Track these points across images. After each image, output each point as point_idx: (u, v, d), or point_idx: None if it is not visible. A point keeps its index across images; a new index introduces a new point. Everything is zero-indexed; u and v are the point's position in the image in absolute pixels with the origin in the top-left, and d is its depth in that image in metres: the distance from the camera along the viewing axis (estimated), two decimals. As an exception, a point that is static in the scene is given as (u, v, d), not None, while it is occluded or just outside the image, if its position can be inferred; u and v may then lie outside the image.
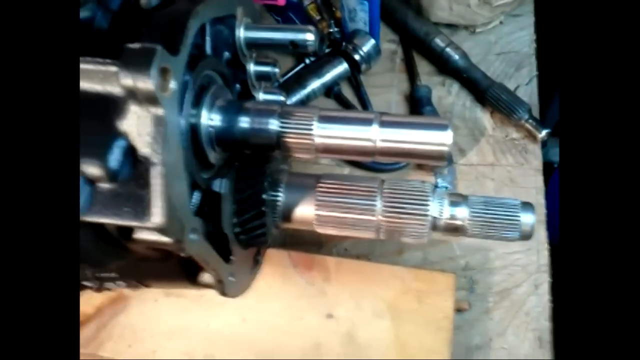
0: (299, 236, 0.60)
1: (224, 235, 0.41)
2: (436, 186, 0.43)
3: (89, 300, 0.58)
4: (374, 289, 0.55)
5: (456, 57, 0.66)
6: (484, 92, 0.64)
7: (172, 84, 0.30)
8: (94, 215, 0.31)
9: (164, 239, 0.33)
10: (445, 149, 0.34)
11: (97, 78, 0.32)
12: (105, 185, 0.32)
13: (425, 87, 0.66)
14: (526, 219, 0.39)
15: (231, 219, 0.42)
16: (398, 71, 0.71)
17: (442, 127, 0.34)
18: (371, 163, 0.63)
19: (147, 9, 0.38)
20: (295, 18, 0.76)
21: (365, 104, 0.67)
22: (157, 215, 0.30)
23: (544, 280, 0.55)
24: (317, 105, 0.67)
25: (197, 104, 0.35)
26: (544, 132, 0.61)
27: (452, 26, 0.71)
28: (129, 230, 0.33)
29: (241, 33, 0.40)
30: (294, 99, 0.67)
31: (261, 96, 0.46)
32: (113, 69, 0.31)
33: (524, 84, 0.67)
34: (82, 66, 0.32)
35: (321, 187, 0.42)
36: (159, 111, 0.30)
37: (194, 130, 0.35)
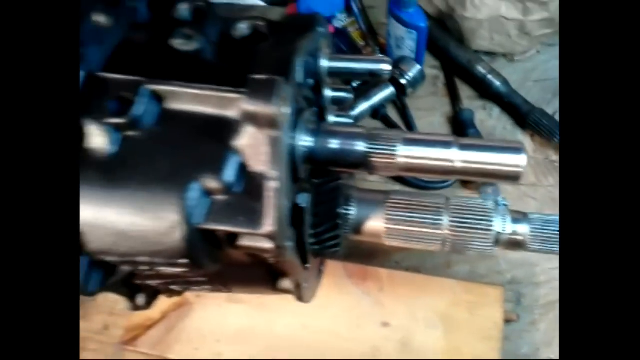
0: (349, 248, 0.64)
1: (304, 244, 0.45)
2: (497, 204, 0.47)
3: (156, 305, 0.62)
4: (427, 300, 0.58)
5: (498, 83, 0.70)
6: (525, 116, 0.68)
7: (287, 110, 0.34)
8: (211, 223, 0.35)
9: (267, 245, 0.37)
10: (520, 170, 0.38)
11: (214, 103, 0.36)
12: (220, 197, 0.36)
13: (469, 110, 0.70)
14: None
15: (308, 230, 0.46)
16: (440, 95, 0.75)
17: (517, 150, 0.38)
18: (420, 181, 0.67)
19: (239, 39, 0.43)
20: (341, 44, 0.82)
21: (410, 126, 0.72)
22: (268, 224, 0.34)
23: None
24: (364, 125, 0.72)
25: (294, 126, 0.39)
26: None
27: (491, 54, 0.76)
28: (235, 237, 0.38)
29: (325, 63, 0.44)
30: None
31: (332, 118, 0.51)
32: (232, 95, 0.35)
33: (561, 109, 0.71)
34: (200, 92, 0.36)
35: (390, 202, 0.46)
36: (276, 133, 0.34)
37: (291, 150, 0.39)
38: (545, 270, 0.60)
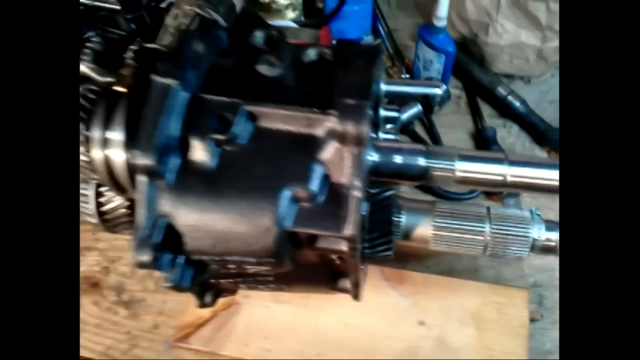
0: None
1: (362, 248, 0.51)
2: (532, 213, 0.53)
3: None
4: (459, 301, 0.64)
5: (517, 104, 0.77)
6: (543, 134, 0.74)
7: (369, 130, 0.40)
8: (300, 226, 0.41)
9: (343, 247, 0.42)
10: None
11: (302, 123, 0.42)
12: (306, 204, 0.41)
13: (491, 128, 0.76)
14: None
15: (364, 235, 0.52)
16: (463, 113, 0.81)
17: (557, 166, 0.44)
18: (447, 192, 0.73)
19: (307, 63, 0.49)
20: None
21: (437, 140, 0.78)
22: (350, 228, 0.40)
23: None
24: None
25: (365, 143, 0.45)
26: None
27: (509, 76, 0.82)
28: (314, 239, 0.43)
29: (383, 86, 0.50)
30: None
31: (381, 135, 0.56)
32: (319, 116, 0.41)
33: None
34: (290, 113, 0.42)
35: (437, 211, 0.52)
36: (360, 150, 0.39)
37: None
38: (565, 274, 0.66)
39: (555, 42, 0.75)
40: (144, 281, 0.72)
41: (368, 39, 0.89)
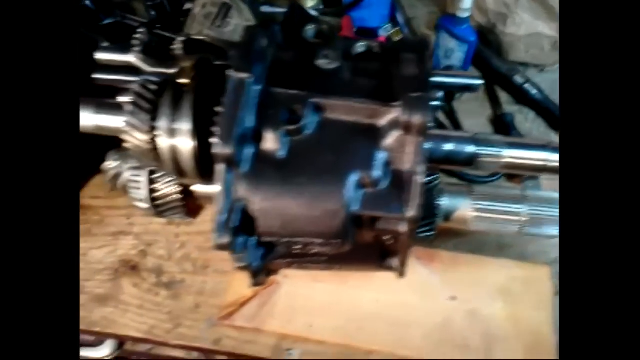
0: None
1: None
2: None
3: (247, 284, 0.70)
4: (487, 277, 0.68)
5: (534, 91, 0.81)
6: (559, 120, 0.79)
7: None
8: (365, 209, 0.44)
9: (403, 228, 0.46)
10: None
11: (365, 113, 0.45)
12: (370, 189, 0.44)
13: (510, 114, 0.80)
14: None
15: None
16: (481, 100, 0.85)
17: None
18: (470, 175, 0.77)
19: (355, 55, 0.52)
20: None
21: (458, 126, 0.82)
22: (413, 210, 0.43)
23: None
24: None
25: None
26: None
27: (524, 64, 0.86)
28: (375, 221, 0.46)
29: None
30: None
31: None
32: (382, 108, 0.44)
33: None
34: (355, 105, 0.45)
35: (477, 194, 0.56)
36: (422, 139, 0.43)
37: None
38: (583, 251, 0.71)
39: (571, 32, 0.78)
40: (182, 263, 0.75)
41: (386, 27, 0.91)
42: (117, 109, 0.52)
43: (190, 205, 0.61)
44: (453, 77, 0.54)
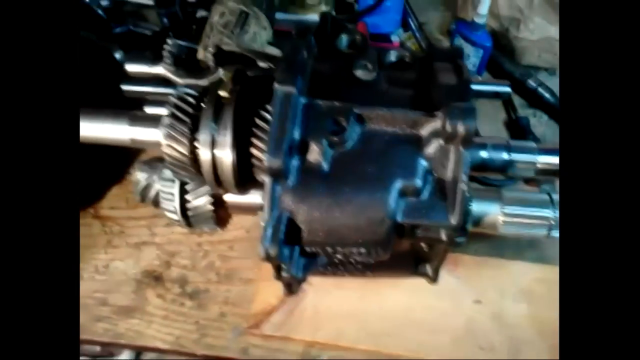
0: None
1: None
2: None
3: (273, 292, 0.70)
4: (510, 280, 0.69)
5: (547, 95, 0.82)
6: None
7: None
8: (409, 218, 0.45)
9: (444, 235, 0.46)
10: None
11: (407, 124, 0.46)
12: (412, 198, 0.45)
13: (525, 117, 0.82)
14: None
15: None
16: (496, 104, 0.86)
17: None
18: (488, 179, 0.78)
19: (387, 65, 0.52)
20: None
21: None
22: (456, 218, 0.44)
23: None
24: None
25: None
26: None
27: (535, 67, 0.88)
28: (416, 229, 0.47)
29: (458, 86, 0.54)
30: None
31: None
32: (424, 118, 0.45)
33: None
34: (396, 115, 0.45)
35: (506, 199, 0.56)
36: (466, 147, 0.43)
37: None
38: (602, 251, 0.72)
39: (583, 36, 0.80)
40: (205, 273, 0.75)
41: (399, 32, 0.92)
42: (153, 121, 0.52)
43: (220, 215, 0.61)
44: (483, 84, 0.55)
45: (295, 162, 0.44)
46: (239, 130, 0.48)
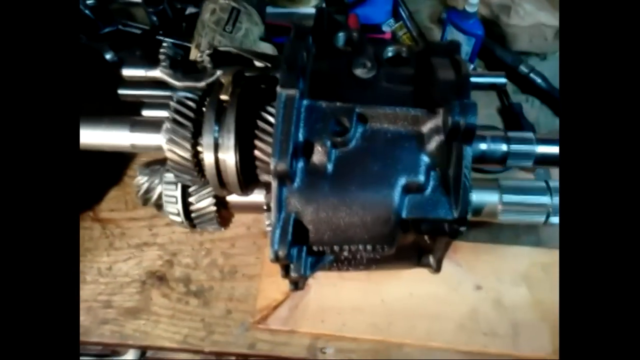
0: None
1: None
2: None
3: (277, 287, 0.71)
4: (509, 265, 0.71)
5: (539, 80, 0.83)
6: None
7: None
8: (414, 214, 0.46)
9: (446, 228, 0.47)
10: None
11: (409, 121, 0.46)
12: (417, 194, 0.46)
13: (518, 104, 0.82)
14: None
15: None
16: (488, 90, 0.87)
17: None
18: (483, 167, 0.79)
19: (384, 60, 0.53)
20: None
21: (468, 119, 0.83)
22: (460, 212, 0.45)
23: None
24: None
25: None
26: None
27: (526, 53, 0.88)
28: (420, 223, 0.48)
29: (455, 79, 0.55)
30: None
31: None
32: (425, 115, 0.45)
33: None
34: (398, 113, 0.46)
35: (504, 187, 0.58)
36: (468, 143, 0.44)
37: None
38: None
39: (573, 21, 0.81)
40: (209, 271, 0.75)
41: (390, 22, 0.92)
42: (154, 126, 0.52)
43: (222, 215, 0.61)
44: (479, 77, 0.55)
45: (300, 164, 0.44)
46: (241, 132, 0.48)
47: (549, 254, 0.71)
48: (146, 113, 0.59)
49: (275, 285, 0.71)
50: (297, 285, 0.57)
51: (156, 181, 0.59)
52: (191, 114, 0.49)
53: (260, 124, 0.48)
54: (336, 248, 0.47)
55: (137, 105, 0.60)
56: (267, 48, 0.79)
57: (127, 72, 0.56)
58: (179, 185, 0.58)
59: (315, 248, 0.47)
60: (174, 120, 0.49)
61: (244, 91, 0.49)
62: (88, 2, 0.91)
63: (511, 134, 0.51)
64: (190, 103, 0.50)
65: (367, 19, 0.90)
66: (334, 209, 0.45)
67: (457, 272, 0.71)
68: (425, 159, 0.46)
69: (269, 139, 0.47)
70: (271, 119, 0.48)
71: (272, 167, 0.42)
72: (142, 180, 0.59)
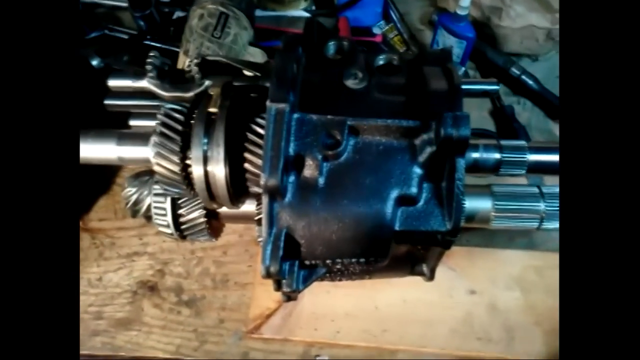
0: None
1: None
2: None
3: (270, 296, 0.71)
4: (502, 269, 0.71)
5: (531, 81, 0.83)
6: (558, 109, 0.81)
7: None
8: (407, 227, 0.45)
9: (439, 239, 0.47)
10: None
11: (401, 133, 0.45)
12: (409, 206, 0.45)
13: (510, 106, 0.82)
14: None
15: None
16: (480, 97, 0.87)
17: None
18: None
19: (375, 68, 0.52)
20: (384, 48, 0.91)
21: (459, 122, 0.83)
22: (453, 224, 0.45)
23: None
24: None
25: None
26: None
27: (517, 55, 0.88)
28: (413, 234, 0.47)
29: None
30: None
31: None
32: (417, 126, 0.45)
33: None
34: (390, 125, 0.45)
35: (497, 193, 0.57)
36: (460, 154, 0.44)
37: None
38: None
39: (563, 23, 0.80)
40: (201, 280, 0.74)
41: (380, 24, 0.91)
42: (141, 138, 0.51)
43: (213, 225, 0.60)
44: (472, 84, 0.55)
45: (291, 178, 0.44)
46: (231, 145, 0.47)
47: (542, 257, 0.71)
48: (134, 123, 0.58)
49: (268, 293, 0.71)
50: (290, 298, 0.57)
51: (145, 192, 0.58)
52: (179, 127, 0.48)
53: (250, 136, 0.47)
54: (329, 262, 0.47)
55: (123, 114, 0.59)
56: (257, 53, 0.78)
57: (113, 82, 0.55)
58: (169, 197, 0.57)
59: (307, 262, 0.46)
60: (162, 134, 0.48)
61: (233, 103, 0.48)
62: (73, 6, 0.89)
63: (504, 142, 0.51)
64: (178, 116, 0.49)
65: (358, 22, 0.90)
66: (326, 224, 0.44)
67: (451, 277, 0.71)
68: (417, 170, 0.45)
69: (259, 151, 0.47)
70: (261, 131, 0.47)
71: (262, 182, 0.41)
72: (130, 191, 0.58)
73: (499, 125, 0.83)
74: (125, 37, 0.90)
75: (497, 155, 0.50)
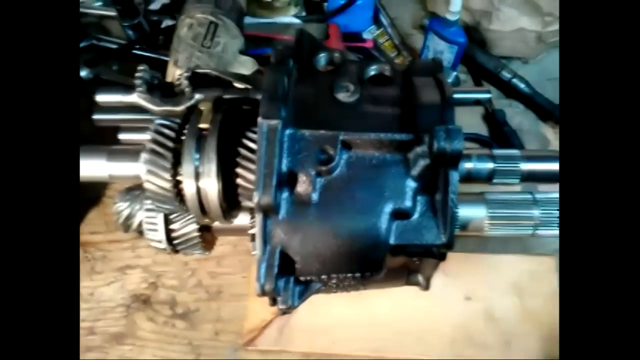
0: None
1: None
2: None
3: (265, 307, 0.70)
4: (497, 274, 0.71)
5: (522, 85, 0.83)
6: (550, 112, 0.81)
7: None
8: (402, 240, 0.45)
9: (434, 251, 0.47)
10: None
11: (394, 147, 0.45)
12: (403, 220, 0.45)
13: (501, 110, 0.82)
14: None
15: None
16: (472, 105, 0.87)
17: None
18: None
19: (366, 79, 0.52)
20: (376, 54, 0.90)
21: (452, 127, 0.83)
22: (446, 236, 0.44)
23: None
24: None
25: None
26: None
27: (508, 58, 0.88)
28: (407, 247, 0.47)
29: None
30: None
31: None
32: (410, 140, 0.44)
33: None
34: (382, 139, 0.45)
35: (491, 201, 0.57)
36: (453, 167, 0.43)
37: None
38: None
39: (553, 27, 0.81)
40: (195, 292, 0.74)
41: (371, 30, 0.91)
42: (132, 154, 0.50)
43: (206, 238, 0.60)
44: (464, 93, 0.55)
45: (284, 195, 0.43)
46: (222, 160, 0.46)
47: (537, 261, 0.72)
48: (123, 137, 0.57)
49: (263, 304, 0.70)
50: (285, 311, 0.56)
51: (137, 207, 0.57)
52: (170, 144, 0.48)
53: (242, 151, 0.47)
54: (324, 277, 0.46)
55: (113, 128, 0.58)
56: (247, 62, 0.77)
57: (101, 97, 0.54)
58: (161, 213, 0.56)
59: (302, 278, 0.46)
60: (152, 151, 0.47)
61: (224, 118, 0.47)
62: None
63: (497, 151, 0.51)
64: (169, 132, 0.48)
65: (348, 28, 0.89)
66: (320, 239, 0.44)
67: (447, 283, 0.71)
68: (411, 184, 0.45)
69: (252, 166, 0.46)
70: (253, 146, 0.46)
71: (255, 200, 0.41)
72: (122, 207, 0.58)
73: (491, 129, 0.83)
74: (114, 46, 0.89)
75: (490, 165, 0.50)
